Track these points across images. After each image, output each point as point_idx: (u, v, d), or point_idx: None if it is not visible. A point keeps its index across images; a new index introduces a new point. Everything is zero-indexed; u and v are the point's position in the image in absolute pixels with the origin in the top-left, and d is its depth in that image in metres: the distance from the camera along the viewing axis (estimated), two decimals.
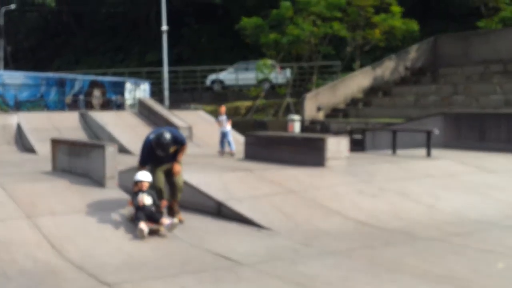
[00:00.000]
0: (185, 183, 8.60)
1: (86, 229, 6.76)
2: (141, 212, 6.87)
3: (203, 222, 7.38)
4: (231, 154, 14.82)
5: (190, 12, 42.63)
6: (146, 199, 7.01)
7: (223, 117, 15.57)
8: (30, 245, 6.26)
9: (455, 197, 8.97)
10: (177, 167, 7.42)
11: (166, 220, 6.84)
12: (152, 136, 7.31)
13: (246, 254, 6.25)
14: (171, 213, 7.40)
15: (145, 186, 7.06)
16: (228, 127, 15.43)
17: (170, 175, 7.46)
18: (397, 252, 6.36)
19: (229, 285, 5.22)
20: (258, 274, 5.55)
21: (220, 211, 7.89)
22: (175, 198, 7.45)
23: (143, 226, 6.67)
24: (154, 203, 7.04)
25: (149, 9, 43.36)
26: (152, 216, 6.87)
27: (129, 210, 7.17)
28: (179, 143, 7.37)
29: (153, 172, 7.35)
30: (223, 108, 15.99)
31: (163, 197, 7.32)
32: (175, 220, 6.98)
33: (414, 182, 9.61)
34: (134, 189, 7.14)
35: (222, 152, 15.18)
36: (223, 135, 15.31)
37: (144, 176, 7.10)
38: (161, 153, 7.19)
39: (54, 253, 6.13)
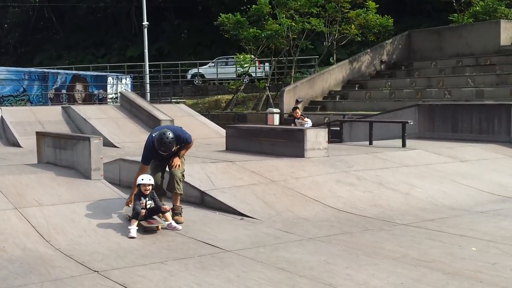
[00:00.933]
0: None
1: (73, 219, 6.92)
2: (140, 217, 6.74)
3: (187, 211, 7.58)
4: None
5: (170, 8, 42.73)
6: (148, 204, 6.85)
7: (301, 121, 14.85)
8: (19, 235, 6.40)
9: (429, 185, 9.32)
10: (176, 161, 7.26)
11: (169, 217, 6.91)
12: (154, 135, 7.12)
13: (230, 241, 6.49)
14: (173, 211, 7.25)
15: (148, 190, 6.85)
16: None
17: (170, 167, 7.36)
18: (374, 237, 6.65)
19: (214, 271, 5.43)
20: (242, 260, 5.78)
21: (203, 201, 8.14)
22: (174, 190, 7.26)
23: (134, 233, 6.59)
24: (156, 204, 6.90)
25: (129, 5, 43.35)
26: (151, 214, 6.85)
27: (127, 210, 7.16)
28: (182, 141, 7.27)
29: (152, 168, 7.29)
30: (297, 113, 15.22)
31: (161, 193, 7.27)
32: (179, 227, 6.90)
33: (390, 171, 9.94)
34: (135, 191, 7.02)
35: None
36: None
37: (147, 179, 6.89)
38: (163, 152, 7.06)
39: (43, 242, 6.30)
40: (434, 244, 6.31)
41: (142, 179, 6.87)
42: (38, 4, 46.84)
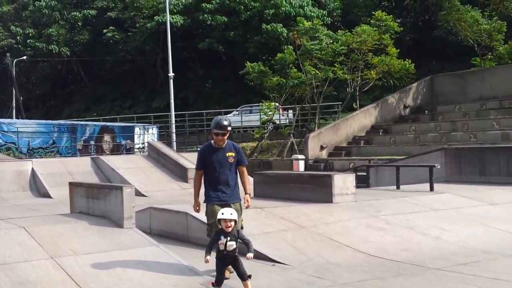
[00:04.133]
0: (200, 221, 8.96)
1: (108, 267, 7.02)
2: (220, 262, 5.97)
3: None
4: None
5: (195, 58, 43.65)
6: (229, 246, 5.91)
7: None
8: (55, 284, 6.51)
9: (460, 228, 9.28)
10: (247, 198, 6.95)
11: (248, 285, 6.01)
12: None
13: (263, 287, 6.54)
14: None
15: (230, 226, 5.92)
16: None
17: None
18: (407, 282, 6.64)
19: None
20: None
21: None
22: None
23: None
24: (233, 254, 5.95)
25: (155, 57, 44.45)
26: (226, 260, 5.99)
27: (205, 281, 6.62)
28: (241, 156, 7.09)
29: (207, 207, 6.95)
30: None
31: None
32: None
33: (419, 215, 9.92)
34: (210, 227, 6.66)
35: None
36: None
37: (228, 213, 5.95)
38: (219, 129, 6.83)
39: None
40: None
41: (223, 213, 5.96)
42: (66, 58, 48.26)
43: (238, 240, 5.97)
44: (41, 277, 6.63)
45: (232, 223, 5.91)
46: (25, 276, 6.58)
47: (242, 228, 6.82)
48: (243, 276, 5.91)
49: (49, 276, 6.71)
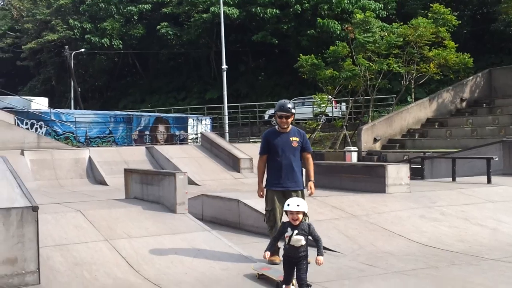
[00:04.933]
0: (251, 208, 9.01)
1: (160, 250, 7.13)
2: (286, 259, 5.36)
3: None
4: None
5: (248, 51, 43.84)
6: (294, 241, 5.26)
7: None
8: (109, 265, 6.65)
9: None
10: (311, 186, 6.80)
11: None
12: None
13: (313, 274, 6.45)
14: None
15: (298, 219, 5.31)
16: None
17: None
18: (462, 272, 6.48)
19: None
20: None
21: None
22: None
23: None
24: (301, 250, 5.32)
25: (208, 50, 44.88)
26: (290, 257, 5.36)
27: (256, 267, 6.37)
28: (305, 141, 6.92)
29: (270, 201, 6.76)
30: None
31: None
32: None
33: (476, 207, 9.66)
34: (268, 214, 6.55)
35: None
36: None
37: (294, 205, 5.32)
38: (282, 111, 6.71)
39: (132, 272, 6.51)
40: None
41: (288, 205, 5.35)
42: (123, 51, 49.24)
43: (309, 236, 5.30)
44: (96, 258, 6.78)
45: (300, 216, 5.25)
46: (80, 257, 6.74)
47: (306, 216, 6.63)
48: (301, 281, 5.19)
49: (104, 257, 6.85)
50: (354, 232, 8.19)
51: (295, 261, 5.23)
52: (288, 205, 5.31)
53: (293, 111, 6.83)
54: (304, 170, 7.03)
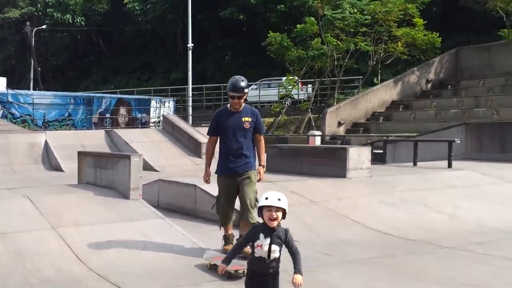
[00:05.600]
0: (208, 194, 8.74)
1: (109, 239, 6.83)
2: (252, 277, 4.00)
3: None
4: None
5: (216, 29, 43.19)
6: (273, 252, 3.92)
7: None
8: (54, 255, 6.34)
9: (477, 207, 8.95)
10: (261, 170, 6.47)
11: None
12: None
13: None
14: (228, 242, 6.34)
15: (275, 219, 3.92)
16: None
17: (242, 183, 6.35)
18: (419, 260, 6.37)
19: None
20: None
21: None
22: (246, 219, 6.27)
23: None
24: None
25: (175, 27, 44.04)
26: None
27: (208, 256, 6.11)
28: (258, 122, 6.54)
29: (222, 189, 6.49)
30: None
31: (227, 221, 6.52)
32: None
33: (436, 192, 9.60)
34: (218, 200, 6.32)
35: None
36: None
37: (274, 199, 3.91)
38: (234, 91, 6.27)
39: (77, 263, 6.22)
40: (483, 268, 6.00)
41: (267, 198, 3.92)
42: (86, 28, 48.07)
43: (283, 244, 3.97)
44: (39, 248, 6.47)
45: (279, 215, 3.90)
46: (23, 246, 6.43)
47: (256, 200, 6.28)
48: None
49: (48, 246, 6.55)
50: (312, 219, 8.01)
51: (261, 280, 3.92)
52: (267, 198, 3.91)
53: (246, 90, 6.42)
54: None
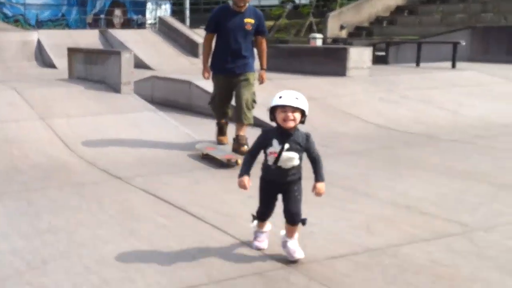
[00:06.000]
0: (203, 90, 8.48)
1: (100, 130, 6.66)
2: (266, 186, 3.37)
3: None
4: None
5: None
6: (287, 158, 3.23)
7: None
8: (43, 143, 6.18)
9: (480, 104, 8.71)
10: (263, 75, 6.17)
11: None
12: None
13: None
14: (237, 145, 5.93)
15: (292, 120, 3.21)
16: None
17: (239, 84, 5.99)
18: (418, 152, 6.19)
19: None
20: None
21: None
22: (241, 121, 5.98)
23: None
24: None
25: None
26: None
27: (200, 146, 6.05)
28: (262, 24, 6.09)
29: (213, 76, 6.15)
30: None
31: (223, 117, 6.34)
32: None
33: (438, 91, 9.33)
34: (212, 98, 6.21)
35: None
36: None
37: (291, 98, 3.21)
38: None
39: (67, 151, 6.06)
40: (484, 158, 5.84)
41: (280, 97, 3.21)
42: None
43: (304, 151, 3.30)
44: (28, 136, 6.30)
45: (297, 116, 3.22)
46: (11, 134, 6.27)
47: (254, 101, 6.02)
48: (293, 217, 3.32)
49: (37, 135, 6.39)
50: (310, 113, 7.72)
51: (280, 188, 3.34)
52: (281, 97, 3.21)
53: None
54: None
